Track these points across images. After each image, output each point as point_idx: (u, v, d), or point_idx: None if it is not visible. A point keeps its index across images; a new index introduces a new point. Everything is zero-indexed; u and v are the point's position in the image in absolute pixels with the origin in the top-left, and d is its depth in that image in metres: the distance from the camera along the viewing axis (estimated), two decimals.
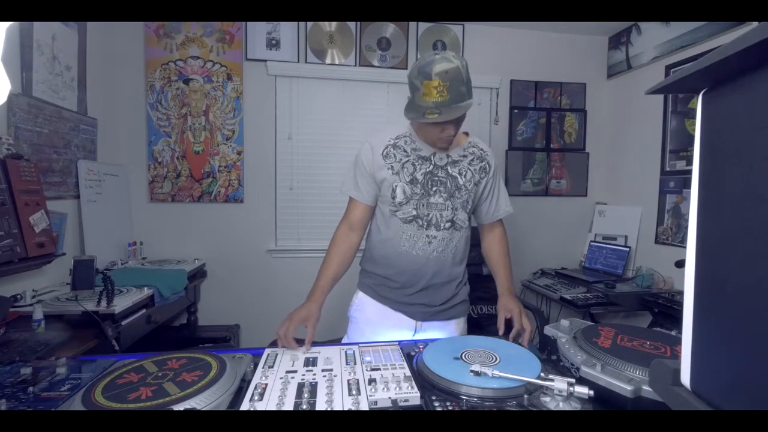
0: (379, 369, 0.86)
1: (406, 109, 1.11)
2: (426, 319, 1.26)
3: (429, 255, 1.21)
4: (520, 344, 1.05)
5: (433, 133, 1.14)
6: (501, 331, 1.16)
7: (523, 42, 2.91)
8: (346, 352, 0.97)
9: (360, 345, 1.01)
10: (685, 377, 0.43)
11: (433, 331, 1.27)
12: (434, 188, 1.19)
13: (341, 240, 1.23)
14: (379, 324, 1.27)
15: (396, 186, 1.18)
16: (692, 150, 0.43)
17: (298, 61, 2.63)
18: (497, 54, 2.87)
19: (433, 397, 0.76)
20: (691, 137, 2.31)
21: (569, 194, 3.06)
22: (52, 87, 1.82)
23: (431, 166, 1.20)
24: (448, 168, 1.20)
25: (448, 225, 1.21)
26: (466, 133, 1.28)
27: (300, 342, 1.00)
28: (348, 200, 1.27)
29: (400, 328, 1.26)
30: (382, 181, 1.20)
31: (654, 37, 2.56)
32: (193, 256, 2.50)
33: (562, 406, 0.70)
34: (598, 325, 0.96)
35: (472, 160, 1.24)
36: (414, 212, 1.19)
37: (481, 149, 1.26)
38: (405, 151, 1.20)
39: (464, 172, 1.22)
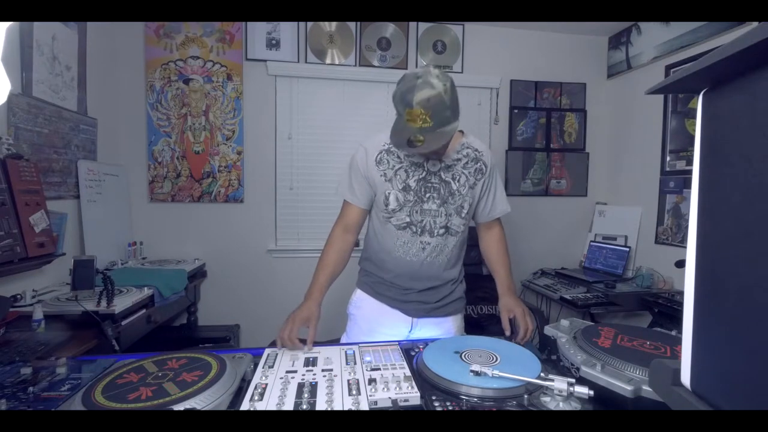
0: (379, 369, 0.87)
1: (392, 133, 1.07)
2: (422, 316, 1.26)
3: (422, 260, 1.22)
4: (518, 343, 1.05)
5: (422, 153, 1.14)
6: (507, 332, 1.15)
7: (523, 42, 2.90)
8: (346, 352, 0.97)
9: (360, 345, 1.02)
10: (685, 377, 0.43)
11: (430, 328, 1.27)
12: (427, 194, 1.18)
13: (337, 240, 1.23)
14: (375, 321, 1.27)
15: (389, 193, 1.18)
16: (692, 150, 0.43)
17: (298, 61, 2.63)
18: (497, 54, 2.87)
19: (433, 397, 0.76)
20: (691, 137, 2.31)
21: (569, 194, 3.06)
22: (52, 87, 1.82)
23: (424, 173, 1.19)
24: (441, 173, 1.19)
25: (442, 231, 1.20)
26: (462, 132, 1.25)
27: (302, 342, 1.01)
28: (343, 202, 1.27)
29: (397, 325, 1.26)
30: (375, 186, 1.20)
31: (654, 37, 2.56)
32: (193, 256, 2.50)
33: (562, 406, 0.71)
34: (598, 325, 0.96)
35: (467, 162, 1.21)
36: (407, 219, 1.19)
37: (476, 149, 1.24)
38: (398, 157, 1.19)
39: (458, 177, 1.20)
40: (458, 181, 1.20)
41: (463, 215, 1.22)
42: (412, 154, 1.14)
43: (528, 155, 2.99)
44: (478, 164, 1.23)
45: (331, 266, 1.20)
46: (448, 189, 1.19)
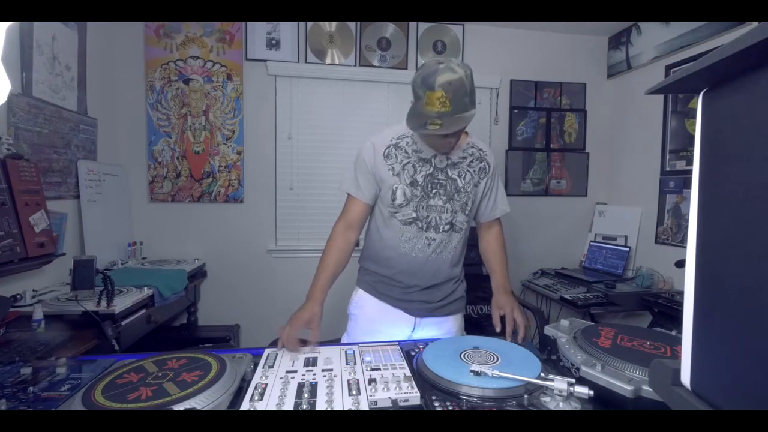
0: (379, 369, 0.86)
1: (408, 117, 1.09)
2: (424, 316, 1.27)
3: (428, 256, 1.22)
4: (517, 342, 1.05)
5: (435, 141, 1.14)
6: (498, 329, 1.16)
7: (523, 42, 2.90)
8: (346, 352, 0.97)
9: (360, 345, 1.02)
10: (685, 377, 0.43)
11: (432, 327, 1.28)
12: (434, 191, 1.19)
13: (339, 238, 1.23)
14: (378, 321, 1.27)
15: (396, 188, 1.18)
16: (692, 150, 0.43)
17: (298, 61, 2.63)
18: (497, 54, 2.87)
19: (433, 397, 0.76)
20: (691, 137, 2.31)
21: (569, 194, 3.06)
22: (52, 87, 1.82)
23: (431, 169, 1.20)
24: (448, 170, 1.21)
25: (447, 227, 1.21)
26: (466, 133, 1.27)
27: (303, 342, 1.00)
28: (346, 198, 1.26)
29: (399, 325, 1.26)
30: (382, 181, 1.20)
31: (654, 37, 2.56)
32: (193, 256, 2.50)
33: (562, 406, 0.70)
34: (598, 325, 0.96)
35: (472, 161, 1.24)
36: (414, 214, 1.20)
37: (480, 149, 1.27)
38: (406, 152, 1.20)
39: (463, 174, 1.22)
40: (464, 178, 1.22)
41: (467, 212, 1.23)
42: (428, 134, 1.12)
43: (528, 155, 2.99)
44: (482, 163, 1.25)
45: (333, 265, 1.19)
46: (454, 186, 1.21)
